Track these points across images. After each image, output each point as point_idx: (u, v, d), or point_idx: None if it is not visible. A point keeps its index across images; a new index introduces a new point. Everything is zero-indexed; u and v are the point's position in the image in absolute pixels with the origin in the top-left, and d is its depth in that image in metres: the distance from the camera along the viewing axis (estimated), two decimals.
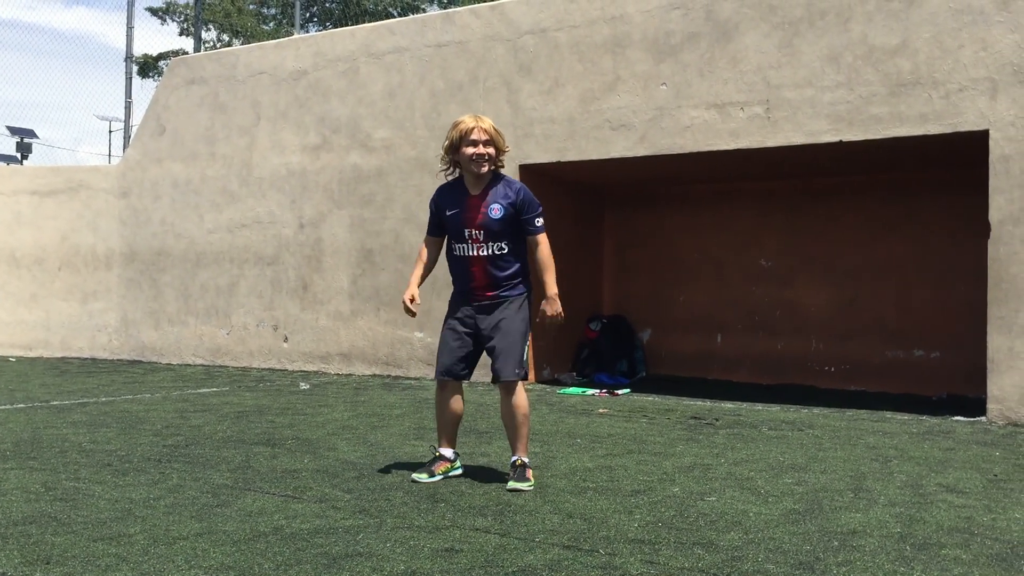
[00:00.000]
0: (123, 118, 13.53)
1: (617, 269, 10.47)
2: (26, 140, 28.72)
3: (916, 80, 6.94)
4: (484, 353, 4.35)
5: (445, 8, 25.47)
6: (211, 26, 28.37)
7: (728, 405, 7.45)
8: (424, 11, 26.56)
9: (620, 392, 8.21)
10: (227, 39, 29.63)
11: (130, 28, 13.07)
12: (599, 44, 8.28)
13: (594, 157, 8.26)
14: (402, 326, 9.32)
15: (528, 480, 4.15)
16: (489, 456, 4.96)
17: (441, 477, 4.31)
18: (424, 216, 9.09)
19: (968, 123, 6.76)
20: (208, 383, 8.74)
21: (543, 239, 4.28)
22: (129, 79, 13.31)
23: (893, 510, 3.81)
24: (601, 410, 7.01)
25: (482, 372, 4.83)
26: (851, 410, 7.17)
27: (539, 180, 8.40)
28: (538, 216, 4.26)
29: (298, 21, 15.99)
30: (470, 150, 4.18)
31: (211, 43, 29.02)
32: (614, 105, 8.16)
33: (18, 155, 28.28)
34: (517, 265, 4.27)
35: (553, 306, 4.26)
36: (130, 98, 13.22)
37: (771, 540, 3.32)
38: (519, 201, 4.21)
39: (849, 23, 7.20)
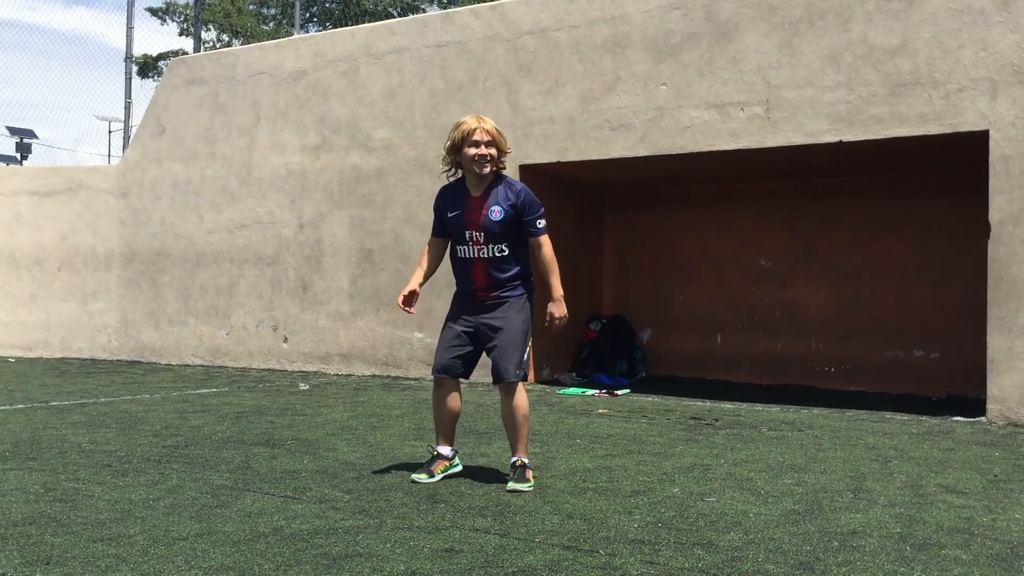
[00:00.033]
0: (123, 118, 13.53)
1: (617, 269, 10.47)
2: (26, 140, 28.72)
3: (916, 80, 6.94)
4: (484, 354, 4.34)
5: (445, 8, 25.47)
6: (211, 26, 28.38)
7: (728, 405, 7.45)
8: (424, 11, 26.56)
9: (620, 392, 8.20)
10: (227, 39, 29.63)
11: (130, 28, 13.07)
12: (599, 44, 8.27)
13: (594, 157, 8.26)
14: (402, 326, 9.32)
15: (528, 481, 4.14)
16: (489, 457, 4.96)
17: (441, 476, 4.31)
18: (424, 216, 9.12)
19: (968, 123, 6.76)
20: (208, 384, 8.73)
21: (545, 241, 4.27)
22: (129, 79, 13.31)
23: (893, 510, 3.81)
24: (601, 410, 7.01)
25: (482, 372, 4.83)
26: (851, 410, 7.17)
27: (539, 180, 8.40)
28: (539, 218, 4.25)
29: (298, 21, 16.00)
30: (472, 151, 4.17)
31: (211, 43, 29.02)
32: (614, 105, 8.16)
33: (18, 155, 28.28)
34: (518, 267, 4.26)
35: (560, 308, 4.26)
36: (130, 98, 13.23)
37: (771, 540, 3.32)
38: (519, 203, 4.20)
39: (849, 23, 7.20)
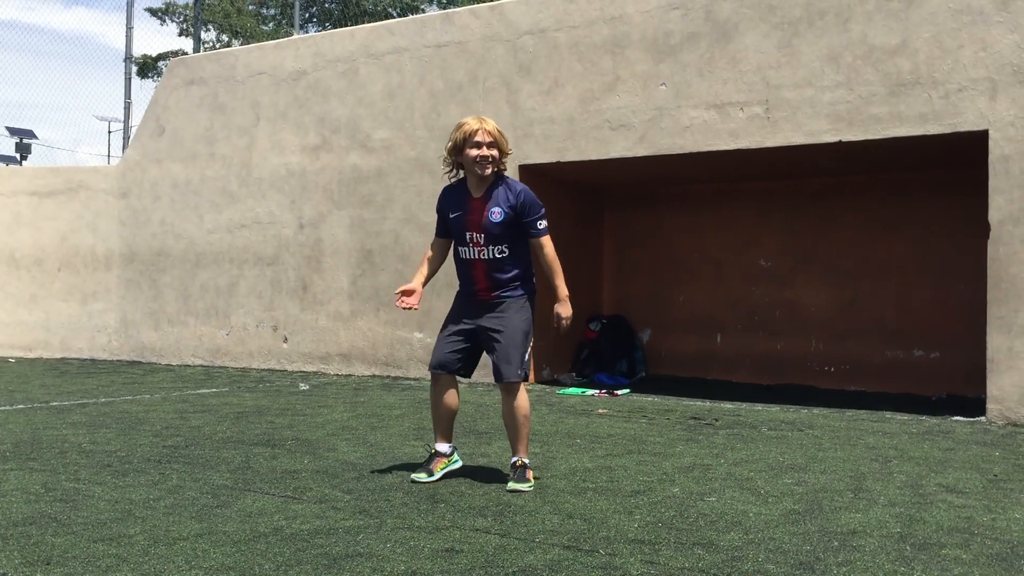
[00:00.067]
0: (122, 119, 13.53)
1: (617, 269, 10.47)
2: (25, 141, 28.72)
3: (916, 80, 6.94)
4: (485, 354, 4.35)
5: (444, 8, 25.48)
6: (210, 26, 28.37)
7: (728, 405, 7.45)
8: (423, 11, 26.56)
9: (620, 392, 8.21)
10: (226, 39, 29.63)
11: (129, 29, 13.08)
12: (598, 44, 8.28)
13: (594, 157, 8.27)
14: (402, 327, 9.32)
15: (528, 481, 4.15)
16: (489, 456, 4.96)
17: (441, 474, 4.31)
18: (424, 216, 9.12)
19: (968, 123, 6.76)
20: (208, 384, 8.74)
21: (547, 241, 4.26)
22: (128, 79, 13.32)
23: (893, 510, 3.81)
24: (601, 410, 7.01)
25: (482, 372, 4.83)
26: (851, 410, 7.17)
27: (539, 180, 8.40)
28: (540, 219, 4.25)
29: (297, 21, 16.01)
30: (474, 152, 4.17)
31: (210, 43, 29.02)
32: (614, 105, 8.17)
33: (17, 156, 28.28)
34: (519, 268, 4.26)
35: (566, 308, 4.26)
36: (129, 98, 13.23)
37: (771, 540, 3.32)
38: (519, 204, 4.20)
39: (849, 23, 7.20)
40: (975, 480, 4.47)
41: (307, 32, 26.62)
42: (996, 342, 6.64)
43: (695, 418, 6.62)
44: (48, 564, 2.94)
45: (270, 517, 3.57)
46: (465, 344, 4.29)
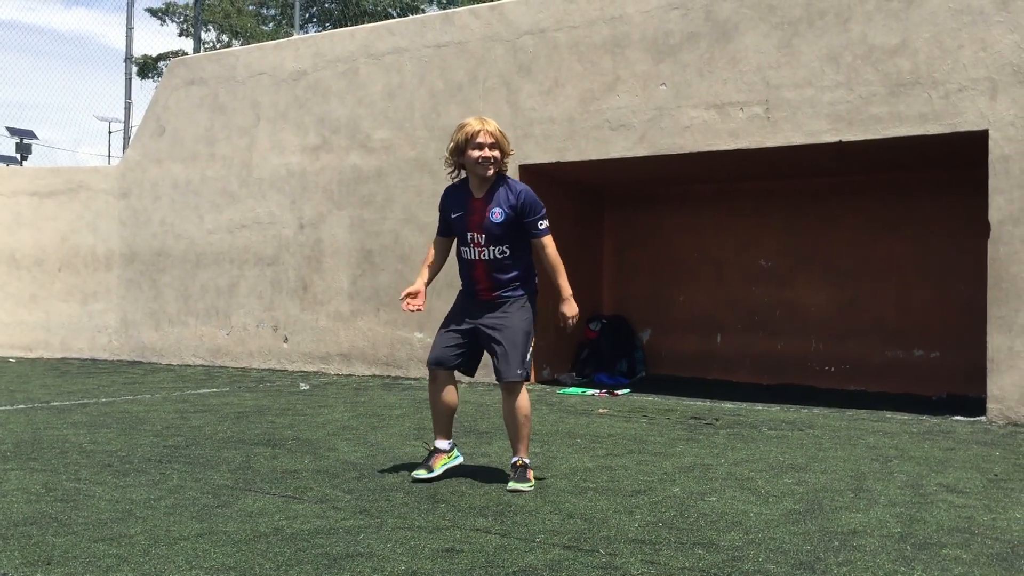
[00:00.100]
0: (123, 119, 13.53)
1: (617, 269, 10.47)
2: (25, 141, 28.74)
3: (916, 80, 6.94)
4: (486, 353, 4.35)
5: (444, 8, 25.48)
6: (211, 27, 28.38)
7: (728, 405, 7.45)
8: (423, 11, 26.57)
9: (620, 392, 8.21)
10: (227, 40, 29.64)
11: (130, 29, 13.08)
12: (598, 44, 8.28)
13: (594, 157, 8.27)
14: (402, 326, 9.32)
15: (528, 480, 4.15)
16: (489, 456, 4.96)
17: (442, 470, 4.31)
18: (423, 217, 9.13)
19: (968, 123, 6.76)
20: (208, 384, 8.74)
21: (548, 241, 4.26)
22: (129, 80, 13.31)
23: (893, 510, 3.81)
24: (601, 410, 7.01)
25: (482, 372, 4.84)
26: (851, 410, 7.17)
27: (539, 180, 8.40)
28: (541, 219, 4.25)
29: (297, 22, 16.00)
30: (476, 153, 4.17)
31: (211, 44, 29.03)
32: (614, 105, 8.17)
33: (17, 156, 28.29)
34: (520, 268, 4.26)
35: (570, 307, 4.26)
36: (130, 99, 13.23)
37: (771, 540, 3.32)
38: (519, 204, 4.20)
39: (849, 23, 7.20)
40: (975, 480, 4.47)
41: (307, 32, 26.62)
42: (996, 342, 6.64)
43: (695, 418, 6.62)
44: (49, 564, 2.94)
45: (271, 517, 3.57)
46: (463, 341, 4.29)
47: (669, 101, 7.93)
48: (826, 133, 7.26)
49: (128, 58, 13.32)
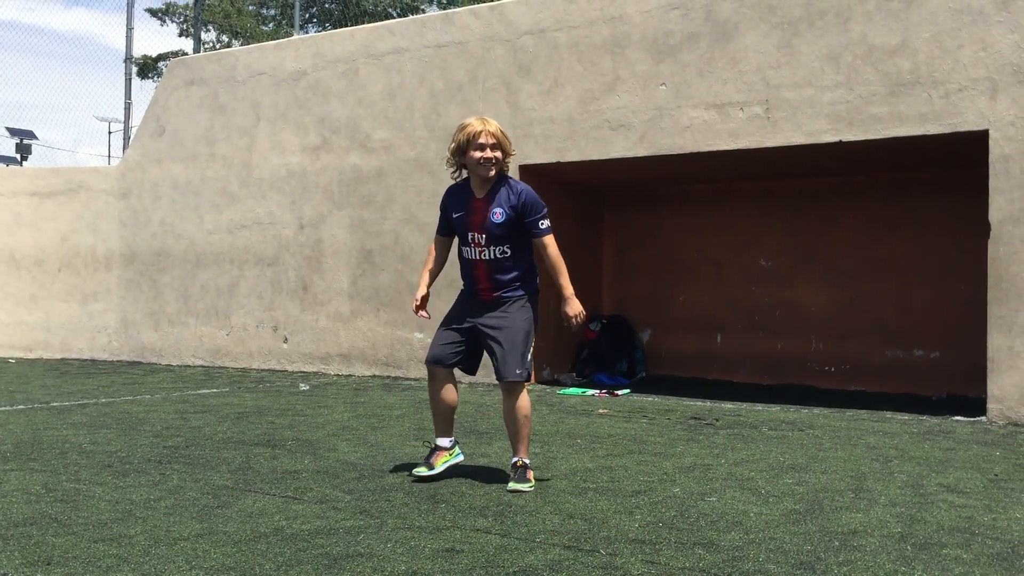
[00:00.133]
0: (123, 119, 13.53)
1: (617, 269, 10.47)
2: (25, 141, 28.74)
3: (916, 80, 6.94)
4: (486, 353, 4.35)
5: (444, 9, 25.48)
6: (210, 27, 28.38)
7: (728, 405, 7.45)
8: (423, 12, 26.57)
9: (620, 392, 8.21)
10: (227, 40, 29.64)
11: (130, 29, 13.08)
12: (598, 44, 8.28)
13: (594, 157, 8.27)
14: (402, 327, 9.32)
15: (528, 481, 4.15)
16: (489, 457, 4.96)
17: (443, 467, 4.31)
18: (424, 217, 9.12)
19: (968, 123, 6.76)
20: (208, 384, 8.74)
21: (550, 241, 4.25)
22: (129, 80, 13.31)
23: (894, 510, 3.81)
24: (601, 410, 7.01)
25: (483, 372, 4.83)
26: (851, 410, 7.17)
27: (539, 180, 8.40)
28: (542, 218, 4.24)
29: (297, 22, 16.00)
30: (477, 154, 4.17)
31: (211, 44, 29.03)
32: (614, 105, 8.17)
33: (17, 156, 28.30)
34: (521, 268, 4.26)
35: (573, 307, 4.25)
36: (130, 99, 13.22)
37: (772, 540, 3.32)
38: (520, 204, 4.20)
39: (849, 23, 7.20)
40: (976, 480, 4.47)
41: (307, 32, 26.63)
42: (996, 342, 6.64)
43: (695, 418, 6.62)
44: (49, 564, 2.94)
45: (271, 517, 3.57)
46: (462, 339, 4.30)
47: (669, 101, 7.92)
48: (826, 133, 7.26)
49: (128, 58, 13.32)
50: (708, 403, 7.57)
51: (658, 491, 4.12)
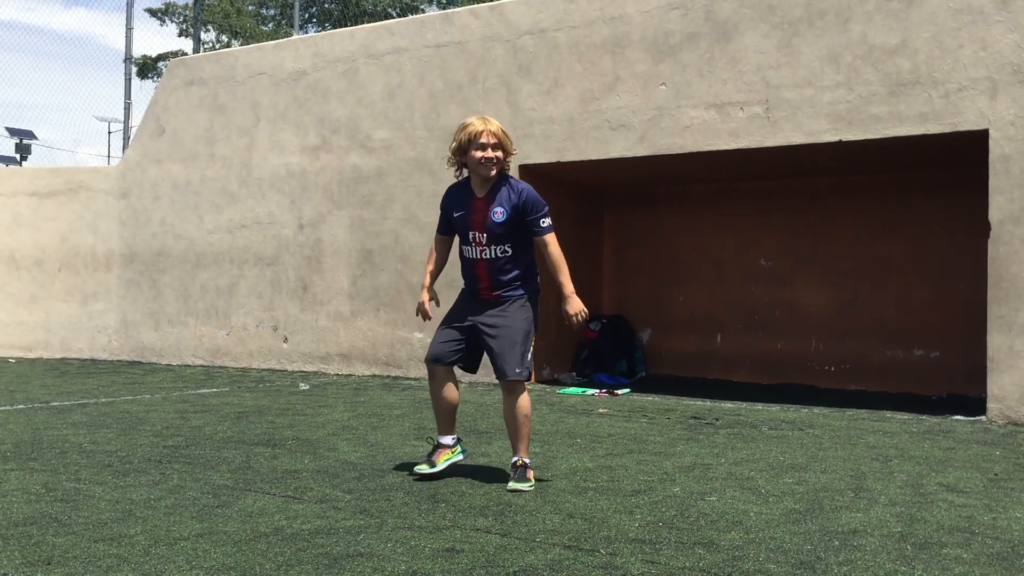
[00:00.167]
0: (122, 119, 13.53)
1: (617, 269, 10.47)
2: (25, 141, 28.75)
3: (916, 80, 6.94)
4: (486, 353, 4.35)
5: (444, 9, 25.48)
6: (210, 27, 28.38)
7: (728, 405, 7.45)
8: (423, 12, 26.57)
9: (620, 392, 8.21)
10: (226, 40, 29.64)
11: (129, 29, 13.08)
12: (598, 44, 8.28)
13: (594, 157, 8.27)
14: (402, 326, 9.32)
15: (528, 480, 4.15)
16: (489, 456, 4.96)
17: (445, 465, 4.32)
18: (424, 216, 9.12)
19: (968, 123, 6.76)
20: (208, 384, 8.74)
21: (551, 239, 4.25)
22: (128, 80, 13.31)
23: (894, 509, 3.81)
24: (601, 410, 7.01)
25: (483, 372, 4.84)
26: (851, 410, 7.17)
27: (539, 180, 8.39)
28: (543, 217, 4.25)
29: (297, 22, 16.00)
30: (479, 154, 4.17)
31: (210, 44, 29.03)
32: (613, 105, 8.17)
33: (17, 156, 28.31)
34: (522, 267, 4.27)
35: (573, 305, 4.25)
36: (129, 99, 13.23)
37: (772, 540, 3.32)
38: (521, 203, 4.20)
39: (848, 23, 7.20)
40: (976, 479, 4.47)
41: (307, 32, 26.63)
42: (996, 341, 6.64)
43: (695, 418, 6.62)
44: (49, 564, 2.94)
45: (271, 517, 3.57)
46: (462, 337, 4.30)
47: (669, 101, 7.92)
48: (826, 133, 7.26)
49: (128, 58, 13.32)
50: (708, 403, 7.57)
51: (658, 491, 4.13)
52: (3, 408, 6.84)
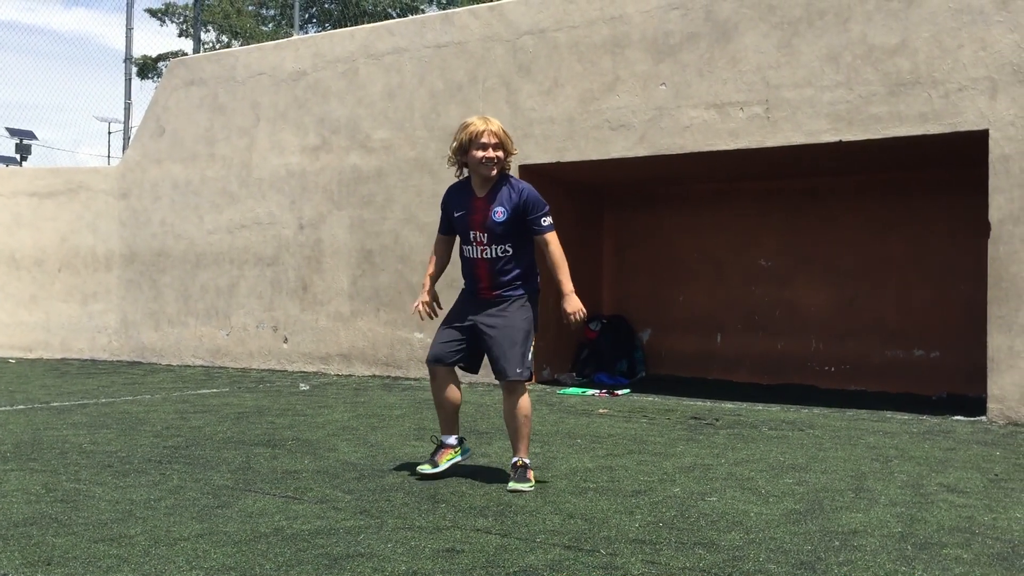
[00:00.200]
0: (122, 119, 13.53)
1: (617, 269, 10.47)
2: (25, 141, 28.75)
3: (916, 80, 6.94)
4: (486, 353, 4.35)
5: (444, 9, 25.47)
6: (210, 27, 28.38)
7: (728, 405, 7.45)
8: (423, 11, 26.57)
9: (620, 392, 8.21)
10: (226, 40, 29.64)
11: (129, 29, 13.08)
12: (598, 44, 8.28)
13: (593, 157, 8.27)
14: (402, 327, 9.32)
15: (529, 481, 4.14)
16: (489, 456, 4.96)
17: (447, 464, 4.32)
18: (423, 217, 9.12)
19: (968, 123, 6.76)
20: (208, 384, 8.74)
21: (552, 238, 4.25)
22: (128, 80, 13.31)
23: (894, 510, 3.81)
24: (601, 410, 7.01)
25: (483, 373, 4.83)
26: (851, 410, 7.17)
27: (539, 180, 8.39)
28: (544, 215, 4.25)
29: (297, 22, 16.02)
30: (479, 153, 4.17)
31: (210, 44, 29.03)
32: (613, 105, 8.17)
33: (17, 156, 28.31)
34: (522, 267, 4.27)
35: (572, 303, 4.24)
36: (129, 99, 13.23)
37: (772, 540, 3.32)
38: (521, 203, 4.20)
39: (848, 23, 7.20)
40: (976, 480, 4.47)
41: (307, 32, 26.63)
42: (996, 341, 6.64)
43: (696, 418, 6.62)
44: (49, 564, 2.94)
45: (271, 517, 3.57)
46: (462, 337, 4.30)
47: (669, 101, 7.92)
48: (826, 133, 7.26)
49: (128, 58, 13.32)
50: (708, 403, 7.57)
51: (658, 491, 4.12)
52: (3, 409, 6.84)
